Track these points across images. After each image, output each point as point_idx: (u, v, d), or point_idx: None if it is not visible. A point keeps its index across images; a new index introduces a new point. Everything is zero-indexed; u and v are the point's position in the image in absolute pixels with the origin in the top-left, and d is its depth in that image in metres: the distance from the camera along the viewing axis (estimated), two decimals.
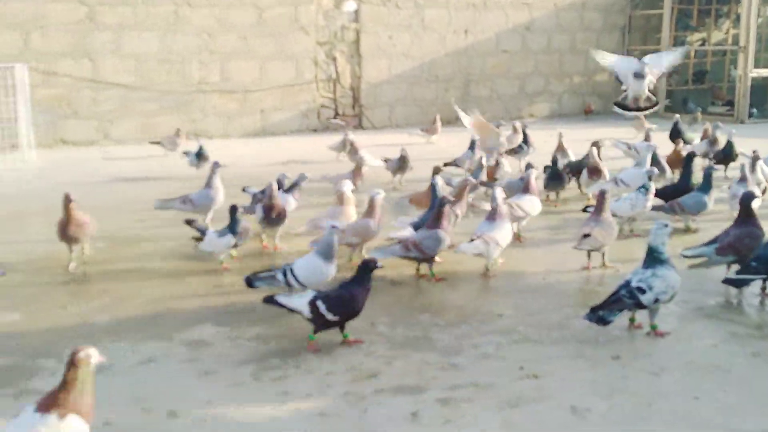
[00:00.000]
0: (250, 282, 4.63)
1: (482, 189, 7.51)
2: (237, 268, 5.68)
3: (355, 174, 7.61)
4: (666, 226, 4.40)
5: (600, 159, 7.86)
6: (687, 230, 6.59)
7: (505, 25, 15.61)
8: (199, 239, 5.61)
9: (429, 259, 5.36)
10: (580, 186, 8.05)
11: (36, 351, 4.20)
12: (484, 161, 7.74)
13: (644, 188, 6.36)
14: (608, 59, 8.29)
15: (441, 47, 15.15)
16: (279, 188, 6.66)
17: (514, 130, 9.24)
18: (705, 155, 9.19)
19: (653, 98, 8.22)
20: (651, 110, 8.37)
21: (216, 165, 6.76)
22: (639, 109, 8.27)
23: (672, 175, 8.56)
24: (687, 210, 6.50)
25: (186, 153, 9.43)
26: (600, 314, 4.19)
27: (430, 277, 5.39)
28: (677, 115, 10.73)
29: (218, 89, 13.25)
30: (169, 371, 3.98)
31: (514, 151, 9.16)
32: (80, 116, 12.28)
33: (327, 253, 4.59)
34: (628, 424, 3.37)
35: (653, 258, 4.33)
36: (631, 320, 4.42)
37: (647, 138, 9.16)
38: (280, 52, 13.67)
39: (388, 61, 14.69)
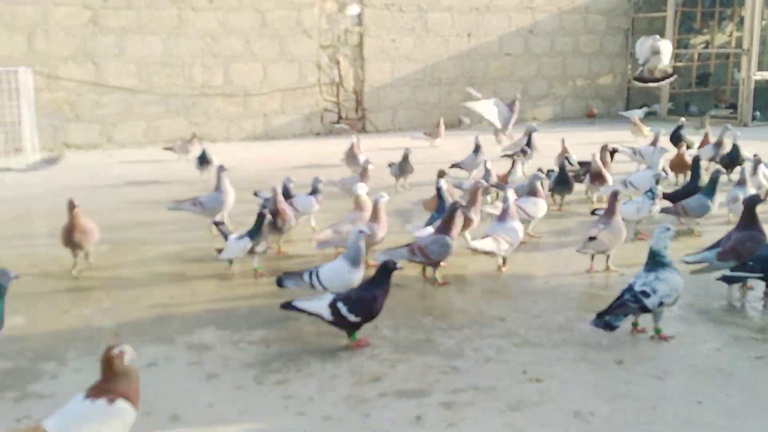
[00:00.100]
0: (280, 281, 4.67)
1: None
2: (240, 272, 5.69)
3: (362, 176, 7.58)
4: (668, 229, 4.39)
5: (607, 163, 7.88)
6: (691, 233, 6.58)
7: (508, 28, 15.60)
8: (221, 250, 5.55)
9: (434, 264, 5.35)
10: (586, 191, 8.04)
11: (38, 354, 4.20)
12: (488, 165, 7.74)
13: (651, 192, 6.35)
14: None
15: (444, 50, 15.16)
16: (287, 193, 6.68)
17: (526, 132, 9.37)
18: (711, 159, 9.16)
19: (669, 70, 8.45)
20: (668, 81, 8.59)
21: (221, 168, 6.76)
22: (656, 80, 8.55)
23: (675, 179, 8.56)
24: (690, 213, 6.49)
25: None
26: (606, 319, 4.18)
27: (433, 281, 5.39)
28: (682, 119, 10.71)
29: (221, 92, 13.27)
30: (172, 375, 3.98)
31: (522, 153, 9.11)
32: (83, 120, 12.30)
33: (354, 258, 4.56)
34: (631, 428, 3.36)
35: (655, 261, 4.32)
36: (634, 324, 4.41)
37: (655, 142, 9.14)
38: (283, 55, 13.69)
39: (391, 64, 14.70)
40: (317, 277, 4.58)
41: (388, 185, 8.54)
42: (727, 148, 9.09)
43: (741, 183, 6.79)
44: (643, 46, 9.64)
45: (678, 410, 3.50)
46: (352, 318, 4.09)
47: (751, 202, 5.21)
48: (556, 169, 7.81)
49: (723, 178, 6.97)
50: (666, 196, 6.72)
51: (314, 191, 6.68)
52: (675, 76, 9.32)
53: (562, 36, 16.29)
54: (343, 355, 4.14)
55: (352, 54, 14.36)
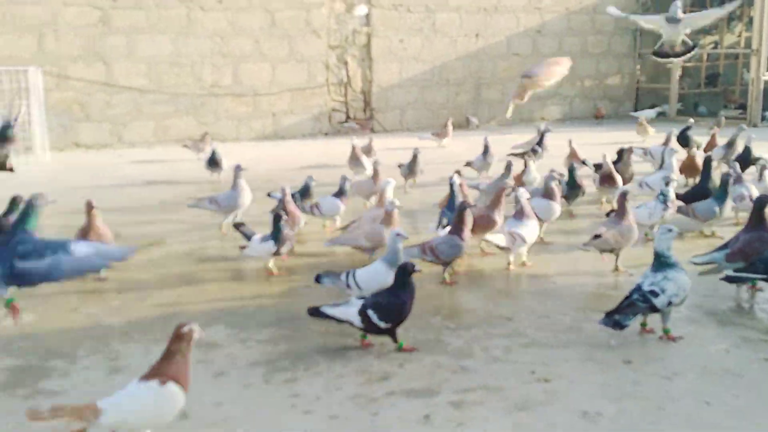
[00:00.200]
0: (318, 278, 4.67)
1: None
2: (248, 271, 5.70)
3: (375, 178, 7.58)
4: (670, 230, 4.38)
5: (629, 165, 7.88)
6: (701, 234, 6.56)
7: (516, 29, 15.60)
8: (243, 247, 5.53)
9: (444, 264, 5.35)
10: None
11: (48, 352, 4.22)
12: (511, 166, 7.69)
13: (662, 195, 6.31)
14: (633, 17, 8.56)
15: (452, 51, 15.16)
16: (308, 191, 6.69)
17: (538, 132, 9.37)
18: (723, 159, 9.10)
19: (689, 42, 8.19)
20: (689, 55, 8.33)
21: (238, 168, 6.79)
22: (677, 55, 8.28)
23: (685, 181, 8.52)
24: (698, 216, 6.48)
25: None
26: (616, 318, 4.17)
27: (441, 280, 5.40)
28: (691, 120, 10.68)
29: (230, 92, 13.31)
30: None
31: (532, 152, 9.09)
32: (93, 119, 12.37)
33: (392, 261, 4.53)
34: (638, 428, 3.36)
35: (661, 262, 4.32)
36: (643, 324, 4.40)
37: (667, 142, 9.11)
38: (292, 55, 13.72)
39: (399, 64, 14.71)
40: (354, 278, 4.58)
41: (397, 186, 8.53)
42: (739, 149, 9.04)
43: (738, 180, 6.81)
44: (655, 16, 9.09)
45: (686, 411, 3.49)
46: (382, 325, 4.08)
47: (760, 203, 5.19)
48: (565, 171, 7.75)
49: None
50: (677, 197, 6.70)
51: (340, 192, 6.64)
52: (696, 50, 8.93)
53: (570, 36, 16.28)
54: (351, 354, 4.15)
55: (360, 54, 14.39)
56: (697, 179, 7.71)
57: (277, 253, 5.47)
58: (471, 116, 15.12)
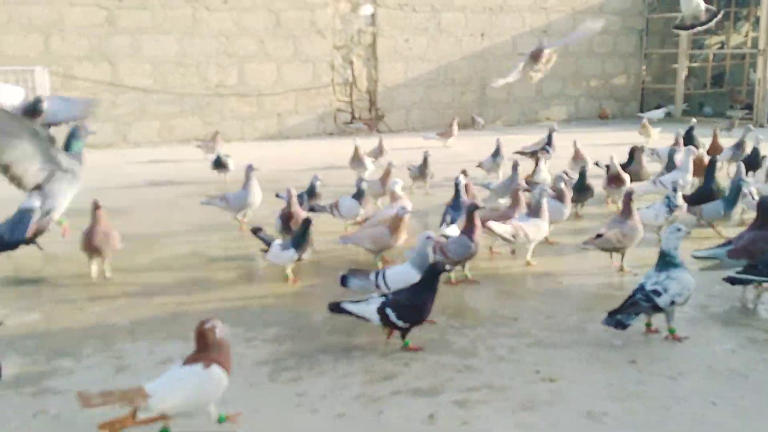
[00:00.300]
0: (344, 279, 4.64)
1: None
2: (251, 271, 5.71)
3: (384, 178, 7.55)
4: (679, 230, 4.37)
5: (643, 165, 7.87)
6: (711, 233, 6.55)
7: (521, 29, 15.59)
8: (265, 250, 5.43)
9: (454, 264, 5.33)
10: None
11: (54, 351, 4.24)
12: (518, 167, 7.67)
13: (668, 199, 6.29)
14: None
15: (457, 50, 15.16)
16: (314, 192, 6.67)
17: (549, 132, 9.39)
18: (732, 160, 9.06)
19: (713, 8, 8.12)
20: (714, 21, 8.25)
21: (250, 168, 6.79)
22: (701, 24, 8.20)
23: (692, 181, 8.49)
24: (704, 215, 6.49)
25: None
26: (618, 318, 4.17)
27: (446, 280, 5.39)
28: (694, 120, 10.65)
29: (235, 92, 13.33)
30: None
31: (543, 151, 9.04)
32: (98, 119, 12.38)
33: (422, 264, 4.51)
34: (644, 429, 3.35)
35: (666, 262, 4.31)
36: (647, 325, 4.40)
37: (677, 143, 9.09)
38: (297, 55, 13.73)
39: (404, 64, 14.71)
40: (383, 278, 4.57)
41: (404, 186, 8.52)
42: (747, 149, 9.01)
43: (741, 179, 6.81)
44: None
45: (691, 411, 3.49)
46: (400, 324, 4.08)
47: (765, 204, 5.19)
48: (571, 172, 7.71)
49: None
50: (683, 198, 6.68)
51: (359, 194, 6.60)
52: (721, 13, 8.78)
53: None
54: (356, 354, 4.15)
55: (365, 54, 14.39)
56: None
57: (298, 260, 5.35)
58: (477, 116, 15.11)
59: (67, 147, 4.67)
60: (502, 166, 8.88)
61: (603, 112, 16.08)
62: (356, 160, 9.02)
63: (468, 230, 5.27)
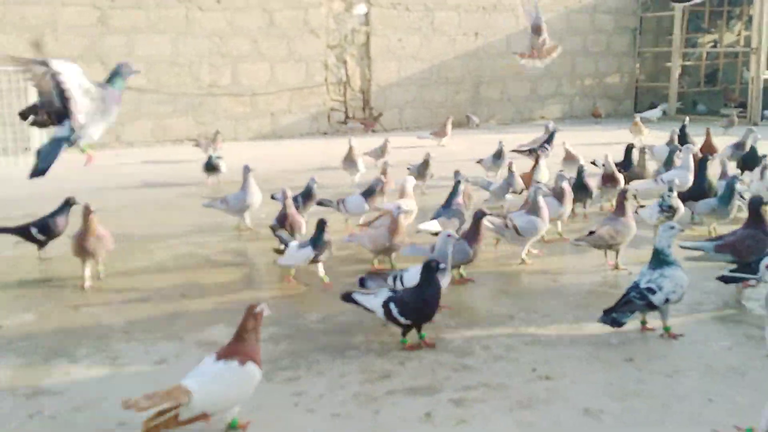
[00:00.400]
0: (362, 281, 4.63)
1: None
2: (248, 270, 5.69)
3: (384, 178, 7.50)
4: (673, 228, 4.39)
5: (645, 165, 7.91)
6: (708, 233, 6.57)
7: (515, 27, 15.58)
8: (280, 252, 5.33)
9: (454, 266, 5.31)
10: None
11: (49, 351, 4.22)
12: (513, 167, 7.63)
13: (662, 198, 6.28)
14: None
15: (451, 50, 15.15)
16: (310, 194, 6.59)
17: (546, 131, 9.39)
18: (731, 159, 9.05)
19: None
20: None
21: (247, 169, 6.75)
22: None
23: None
24: (697, 213, 6.52)
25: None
26: (613, 316, 4.18)
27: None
28: (686, 118, 10.68)
29: (229, 92, 13.30)
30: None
31: (542, 149, 9.02)
32: None
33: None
34: (641, 426, 3.35)
35: (659, 260, 4.32)
36: (643, 322, 4.41)
37: (671, 141, 9.10)
38: (291, 55, 13.71)
39: (397, 63, 14.70)
40: (401, 280, 4.56)
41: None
42: (745, 148, 9.02)
43: (724, 176, 6.88)
44: None
45: (689, 409, 3.49)
46: (402, 320, 4.09)
47: (755, 204, 5.24)
48: (567, 172, 7.69)
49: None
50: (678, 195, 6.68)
51: (369, 192, 6.55)
52: None
53: (570, 35, 16.25)
54: (353, 353, 4.15)
55: (359, 53, 14.37)
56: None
57: (315, 261, 5.22)
58: (472, 114, 15.11)
59: (110, 81, 4.85)
60: (503, 168, 8.86)
61: (596, 111, 16.10)
62: (349, 161, 8.86)
63: (470, 237, 5.22)
